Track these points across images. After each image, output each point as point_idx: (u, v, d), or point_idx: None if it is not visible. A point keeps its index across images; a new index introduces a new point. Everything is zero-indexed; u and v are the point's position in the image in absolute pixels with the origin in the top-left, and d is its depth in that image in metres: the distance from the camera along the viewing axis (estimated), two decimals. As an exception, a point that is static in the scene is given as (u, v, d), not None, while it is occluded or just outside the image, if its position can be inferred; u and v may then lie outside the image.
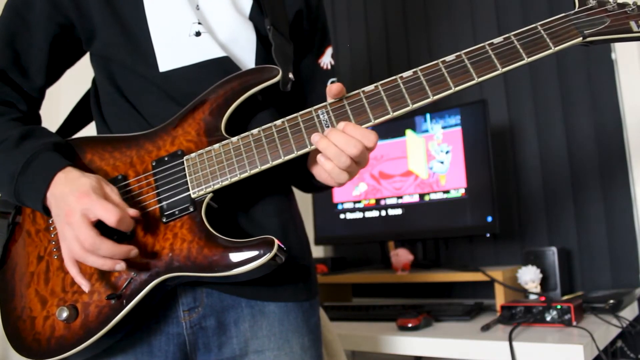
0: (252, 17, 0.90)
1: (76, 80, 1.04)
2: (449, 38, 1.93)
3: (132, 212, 0.76)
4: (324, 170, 0.77)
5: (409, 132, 1.76)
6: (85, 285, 0.75)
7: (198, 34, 0.85)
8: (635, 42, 1.54)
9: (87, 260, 0.72)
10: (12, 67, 0.87)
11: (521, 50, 0.74)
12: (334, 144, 0.74)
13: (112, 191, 0.77)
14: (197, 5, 0.87)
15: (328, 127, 0.76)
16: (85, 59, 0.95)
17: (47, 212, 0.79)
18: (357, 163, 0.77)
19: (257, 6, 0.90)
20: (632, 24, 0.73)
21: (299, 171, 0.92)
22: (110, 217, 0.72)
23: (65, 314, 0.76)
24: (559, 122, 1.70)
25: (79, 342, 0.76)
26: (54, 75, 0.93)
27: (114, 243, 0.73)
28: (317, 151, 0.80)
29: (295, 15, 0.94)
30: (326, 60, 1.01)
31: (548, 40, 0.73)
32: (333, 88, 0.76)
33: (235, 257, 0.74)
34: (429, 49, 1.99)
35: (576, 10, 0.75)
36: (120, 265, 0.73)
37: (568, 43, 0.73)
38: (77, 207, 0.72)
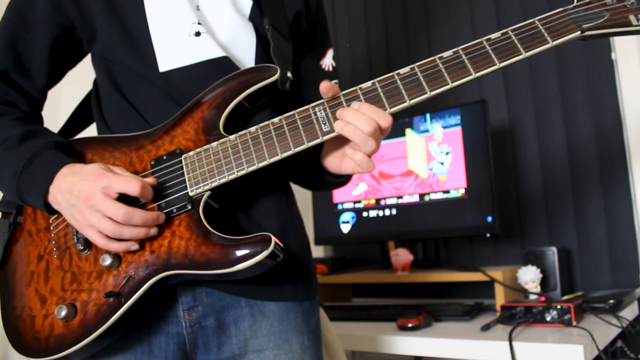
0: (252, 18, 0.90)
1: (76, 83, 1.05)
2: (449, 38, 1.93)
3: (150, 180, 0.77)
4: (355, 162, 0.77)
5: (409, 131, 1.76)
6: (133, 245, 0.76)
7: (198, 34, 0.85)
8: (635, 42, 1.56)
9: (124, 232, 0.74)
10: (14, 68, 0.88)
11: (519, 45, 0.73)
12: (359, 129, 0.74)
13: (121, 169, 0.78)
14: (197, 6, 0.87)
15: (325, 124, 0.77)
16: (86, 62, 0.96)
17: (49, 209, 0.79)
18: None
19: (257, 7, 0.91)
20: (632, 18, 0.72)
21: (309, 168, 0.92)
22: (133, 187, 0.73)
23: (63, 312, 0.76)
24: (559, 122, 1.70)
25: (77, 340, 0.76)
26: (55, 76, 0.93)
27: (144, 210, 0.74)
28: (331, 143, 0.80)
29: (294, 15, 0.94)
30: (327, 62, 1.01)
31: (546, 34, 0.73)
32: (323, 85, 0.77)
33: (232, 254, 0.74)
34: (429, 49, 1.99)
35: (574, 4, 0.75)
36: (154, 230, 0.75)
37: (566, 37, 0.73)
38: (96, 188, 0.73)
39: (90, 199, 0.73)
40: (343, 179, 0.93)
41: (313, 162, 0.90)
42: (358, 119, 0.74)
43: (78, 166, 0.77)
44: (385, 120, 0.75)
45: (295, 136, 0.77)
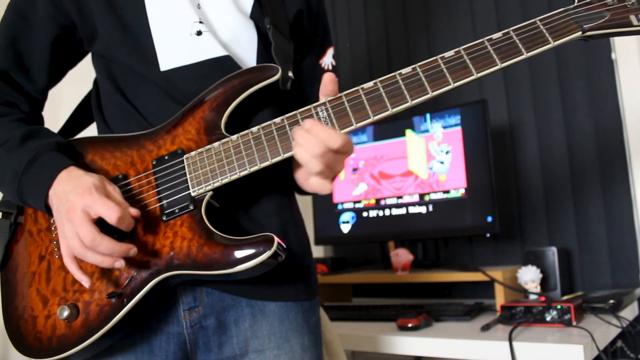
0: (253, 17, 0.90)
1: (76, 83, 1.04)
2: (449, 38, 1.94)
3: (133, 211, 0.76)
4: (314, 182, 0.76)
5: (409, 132, 1.76)
6: (85, 281, 0.75)
7: (199, 33, 0.85)
8: (635, 42, 1.56)
9: (87, 256, 0.73)
10: (14, 68, 0.88)
11: (520, 45, 0.73)
12: (305, 152, 0.72)
13: (114, 190, 0.77)
14: (199, 4, 0.87)
15: (327, 124, 0.76)
16: (86, 62, 0.95)
17: (49, 211, 0.79)
18: (328, 167, 0.74)
19: (258, 5, 0.91)
20: (632, 18, 0.73)
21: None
22: (112, 215, 0.72)
23: (66, 313, 0.76)
24: (559, 122, 1.70)
25: (79, 341, 0.76)
26: (56, 76, 0.93)
27: (114, 241, 0.73)
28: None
29: (295, 14, 0.94)
30: (327, 60, 1.01)
31: (547, 34, 0.73)
32: (326, 76, 0.76)
33: (234, 254, 0.74)
34: (429, 49, 1.99)
35: (575, 4, 0.75)
36: (120, 263, 0.73)
37: (567, 37, 0.73)
38: (79, 204, 0.72)
39: (71, 212, 0.73)
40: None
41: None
42: (306, 141, 0.72)
43: (76, 172, 0.77)
44: (335, 142, 0.70)
45: None
